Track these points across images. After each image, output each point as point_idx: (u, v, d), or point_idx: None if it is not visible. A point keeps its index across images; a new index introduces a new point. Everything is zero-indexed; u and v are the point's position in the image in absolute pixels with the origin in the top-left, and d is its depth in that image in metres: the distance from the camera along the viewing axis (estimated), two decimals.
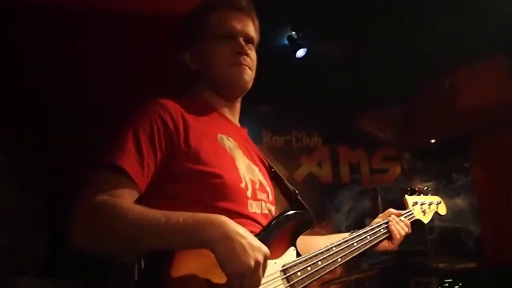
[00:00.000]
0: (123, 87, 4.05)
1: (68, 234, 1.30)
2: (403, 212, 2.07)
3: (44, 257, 5.44)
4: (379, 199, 5.62)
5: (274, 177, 1.84)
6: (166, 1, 3.26)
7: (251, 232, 1.31)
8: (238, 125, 1.79)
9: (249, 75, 1.72)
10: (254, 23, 1.77)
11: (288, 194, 1.80)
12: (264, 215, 1.61)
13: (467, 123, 6.05)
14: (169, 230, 1.26)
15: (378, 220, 1.99)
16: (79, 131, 4.70)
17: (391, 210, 2.06)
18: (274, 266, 1.44)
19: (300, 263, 1.51)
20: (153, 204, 1.33)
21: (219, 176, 1.50)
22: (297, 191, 1.78)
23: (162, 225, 1.26)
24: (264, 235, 1.45)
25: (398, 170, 7.06)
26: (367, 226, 1.90)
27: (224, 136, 1.63)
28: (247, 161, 1.66)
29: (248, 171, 1.63)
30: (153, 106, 1.51)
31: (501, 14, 4.40)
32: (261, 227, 1.52)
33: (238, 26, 1.71)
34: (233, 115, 1.78)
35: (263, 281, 1.28)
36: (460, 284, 5.15)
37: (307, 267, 1.52)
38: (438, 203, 2.27)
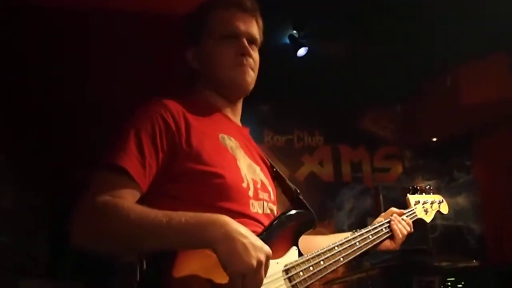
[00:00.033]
0: (123, 87, 4.05)
1: (69, 234, 1.30)
2: (405, 211, 2.06)
3: (45, 258, 5.45)
4: (381, 198, 5.61)
5: (275, 177, 1.83)
6: (166, 1, 3.26)
7: (253, 232, 1.31)
8: (240, 124, 1.79)
9: (251, 76, 1.71)
10: (258, 24, 1.76)
11: (290, 193, 1.80)
12: (266, 215, 1.60)
13: (469, 121, 6.05)
14: (171, 230, 1.26)
15: (380, 219, 1.98)
16: (79, 131, 4.70)
17: (393, 209, 2.05)
18: (276, 266, 1.44)
19: (302, 263, 1.51)
20: (155, 204, 1.33)
21: (220, 176, 1.49)
22: (299, 191, 1.77)
23: (164, 225, 1.25)
24: (266, 235, 1.44)
25: (399, 168, 7.06)
26: (369, 225, 1.90)
27: (225, 136, 1.62)
28: (249, 161, 1.66)
29: (249, 171, 1.62)
30: (154, 106, 1.51)
31: (501, 14, 4.39)
32: (263, 227, 1.52)
33: (242, 26, 1.70)
34: (235, 115, 1.78)
35: (265, 281, 1.28)
36: (462, 282, 5.14)
37: (309, 267, 1.52)
38: (440, 202, 2.26)
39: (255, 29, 1.74)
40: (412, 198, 2.18)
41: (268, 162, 1.83)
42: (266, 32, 1.82)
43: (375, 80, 5.59)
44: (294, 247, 1.53)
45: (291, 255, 1.51)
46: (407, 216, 2.04)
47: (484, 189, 6.31)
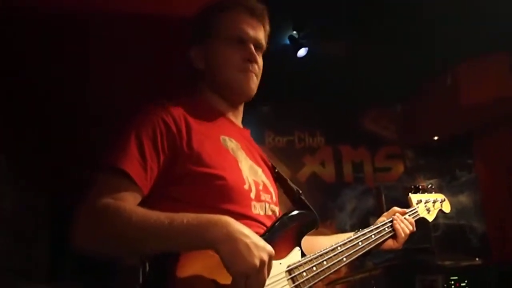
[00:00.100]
0: (123, 87, 4.05)
1: (70, 236, 1.30)
2: (407, 210, 2.06)
3: (45, 260, 5.45)
4: (383, 197, 5.62)
5: (277, 178, 1.83)
6: (167, 3, 3.26)
7: (256, 233, 1.31)
8: (241, 126, 1.79)
9: (255, 83, 1.71)
10: (265, 30, 1.76)
11: (291, 194, 1.80)
12: (268, 216, 1.60)
13: (470, 120, 6.05)
14: (173, 231, 1.26)
15: (383, 219, 1.98)
16: (79, 131, 4.70)
17: (396, 208, 2.05)
18: (279, 267, 1.44)
19: (305, 263, 1.51)
20: (156, 206, 1.33)
21: (222, 178, 1.49)
22: (300, 191, 1.77)
23: (165, 227, 1.25)
24: (268, 236, 1.45)
25: (401, 168, 7.05)
26: (371, 225, 1.90)
27: (226, 138, 1.62)
28: (250, 162, 1.66)
29: (251, 172, 1.63)
30: (155, 109, 1.51)
31: (501, 14, 4.39)
32: (265, 228, 1.52)
33: (251, 32, 1.70)
34: (236, 117, 1.78)
35: (268, 281, 1.28)
36: (466, 281, 5.14)
37: (312, 267, 1.52)
38: (442, 201, 2.26)
39: (262, 35, 1.74)
40: (414, 197, 2.18)
41: (269, 163, 1.83)
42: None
43: (375, 80, 5.59)
44: (297, 248, 1.53)
45: (294, 256, 1.51)
46: (409, 215, 2.03)
47: (485, 188, 6.31)
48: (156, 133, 1.45)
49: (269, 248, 1.27)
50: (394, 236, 1.93)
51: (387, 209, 2.07)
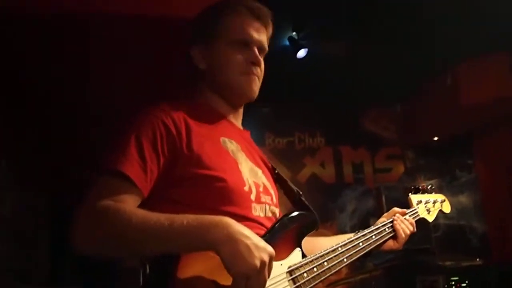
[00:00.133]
0: (123, 87, 4.06)
1: (70, 238, 1.30)
2: (407, 211, 2.06)
3: (45, 263, 5.44)
4: (383, 198, 5.62)
5: (277, 179, 1.83)
6: (167, 5, 3.26)
7: (256, 234, 1.30)
8: (241, 127, 1.79)
9: (258, 85, 1.72)
10: (267, 34, 1.76)
11: (292, 195, 1.80)
12: (268, 218, 1.60)
13: (470, 120, 6.05)
14: (173, 233, 1.25)
15: (383, 219, 1.98)
16: (79, 131, 4.70)
17: (396, 209, 2.05)
18: (280, 268, 1.44)
19: (306, 264, 1.51)
20: (157, 209, 1.33)
21: (222, 179, 1.49)
22: (301, 192, 1.77)
23: (166, 229, 1.25)
24: (269, 237, 1.44)
25: (401, 168, 7.05)
26: (371, 225, 1.90)
27: (226, 139, 1.62)
28: (250, 164, 1.66)
29: (251, 174, 1.62)
30: (155, 111, 1.51)
31: (501, 14, 4.39)
32: (265, 230, 1.52)
33: (255, 35, 1.69)
34: (236, 118, 1.78)
35: (269, 282, 1.28)
36: (466, 281, 5.14)
37: (313, 268, 1.52)
38: (442, 201, 2.26)
39: (265, 39, 1.74)
40: (414, 198, 2.18)
41: (269, 165, 1.83)
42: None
43: (375, 81, 5.59)
44: (298, 249, 1.53)
45: (295, 257, 1.51)
46: (409, 216, 2.04)
47: (485, 188, 6.31)
48: (156, 135, 1.45)
49: (269, 249, 1.26)
50: (395, 236, 1.94)
51: (387, 210, 2.07)
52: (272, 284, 1.37)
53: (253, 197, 1.57)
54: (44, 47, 3.57)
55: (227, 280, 1.24)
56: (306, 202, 1.71)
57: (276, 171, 1.84)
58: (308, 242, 1.59)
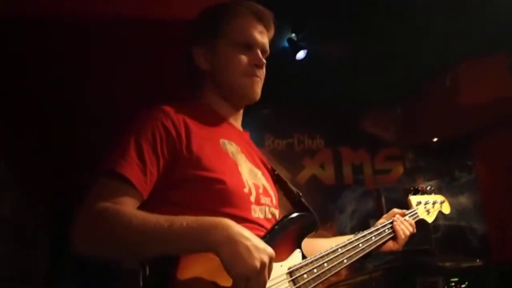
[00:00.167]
0: (123, 87, 4.06)
1: (70, 240, 1.30)
2: (407, 212, 2.07)
3: (46, 261, 5.44)
4: (383, 199, 5.61)
5: (277, 180, 1.83)
6: (167, 6, 3.26)
7: (256, 235, 1.31)
8: (241, 129, 1.79)
9: (260, 87, 1.72)
10: (269, 37, 1.77)
11: (291, 196, 1.80)
12: (268, 219, 1.60)
13: (469, 120, 6.04)
14: (173, 234, 1.26)
15: (383, 220, 1.99)
16: (79, 131, 4.70)
17: (395, 210, 2.06)
18: (280, 269, 1.44)
19: (306, 265, 1.51)
20: (156, 211, 1.33)
21: (222, 181, 1.49)
22: (300, 194, 1.77)
23: (165, 230, 1.25)
24: (269, 238, 1.45)
25: (401, 170, 7.05)
26: (371, 227, 1.90)
27: (226, 141, 1.62)
28: (250, 165, 1.66)
29: (251, 176, 1.62)
30: (155, 113, 1.51)
31: (501, 14, 4.39)
32: (265, 231, 1.52)
33: (259, 38, 1.70)
34: (236, 119, 1.78)
35: (269, 284, 1.28)
36: (466, 282, 5.13)
37: (313, 269, 1.52)
38: (441, 202, 2.27)
39: (267, 41, 1.75)
40: (413, 199, 2.19)
41: (269, 166, 1.83)
42: None
43: (375, 81, 5.59)
44: (298, 250, 1.54)
45: (295, 258, 1.51)
46: (409, 217, 2.04)
47: (485, 189, 6.31)
48: (156, 137, 1.45)
49: (269, 250, 1.27)
50: (395, 237, 1.94)
51: (387, 211, 2.07)
52: (272, 285, 1.37)
53: (252, 198, 1.57)
54: (44, 47, 3.57)
55: (227, 281, 1.24)
56: (306, 203, 1.71)
57: (276, 173, 1.84)
58: (308, 243, 1.59)
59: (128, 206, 1.34)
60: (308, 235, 1.60)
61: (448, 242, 5.73)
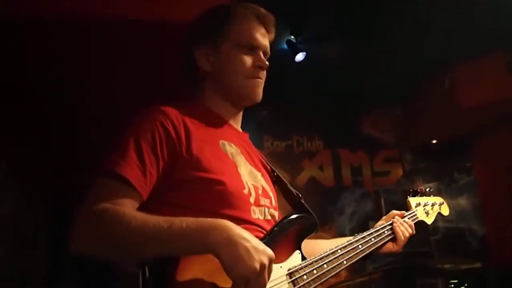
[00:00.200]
0: (123, 88, 4.05)
1: (69, 240, 1.30)
2: (406, 213, 2.07)
3: (46, 261, 5.43)
4: (382, 201, 5.61)
5: (277, 181, 1.83)
6: (167, 6, 3.27)
7: (256, 237, 1.31)
8: (240, 130, 1.79)
9: (262, 89, 1.73)
10: (270, 40, 1.78)
11: (291, 198, 1.80)
12: (267, 221, 1.60)
13: (468, 122, 6.04)
14: (173, 236, 1.26)
15: (382, 222, 1.99)
16: (79, 131, 4.69)
17: (394, 211, 2.06)
18: (279, 270, 1.44)
19: (305, 266, 1.51)
20: (156, 212, 1.33)
21: (221, 183, 1.49)
22: (300, 195, 1.78)
23: (165, 231, 1.25)
24: (268, 239, 1.45)
25: (400, 171, 7.05)
26: (370, 228, 1.90)
27: (226, 142, 1.62)
28: (250, 167, 1.66)
29: (250, 177, 1.63)
30: (154, 114, 1.51)
31: (501, 14, 4.39)
32: (265, 233, 1.52)
33: (261, 40, 1.71)
34: (236, 121, 1.78)
35: (269, 285, 1.28)
36: (466, 284, 5.13)
37: (312, 270, 1.52)
38: (440, 204, 2.27)
39: (268, 43, 1.76)
40: (412, 200, 2.19)
41: (269, 167, 1.83)
42: None
43: (374, 83, 5.58)
44: (297, 251, 1.54)
45: (295, 259, 1.51)
46: (408, 218, 2.04)
47: (484, 190, 6.30)
48: (155, 138, 1.45)
49: (269, 251, 1.27)
50: (394, 239, 1.94)
51: (386, 213, 2.08)
52: (272, 287, 1.38)
53: (252, 200, 1.57)
54: (44, 47, 3.57)
55: (226, 283, 1.24)
56: (306, 205, 1.71)
57: (276, 174, 1.84)
58: (308, 244, 1.59)
59: (128, 207, 1.34)
60: (308, 237, 1.60)
61: (447, 244, 5.72)
